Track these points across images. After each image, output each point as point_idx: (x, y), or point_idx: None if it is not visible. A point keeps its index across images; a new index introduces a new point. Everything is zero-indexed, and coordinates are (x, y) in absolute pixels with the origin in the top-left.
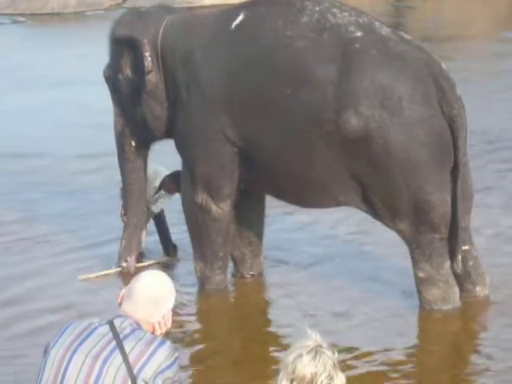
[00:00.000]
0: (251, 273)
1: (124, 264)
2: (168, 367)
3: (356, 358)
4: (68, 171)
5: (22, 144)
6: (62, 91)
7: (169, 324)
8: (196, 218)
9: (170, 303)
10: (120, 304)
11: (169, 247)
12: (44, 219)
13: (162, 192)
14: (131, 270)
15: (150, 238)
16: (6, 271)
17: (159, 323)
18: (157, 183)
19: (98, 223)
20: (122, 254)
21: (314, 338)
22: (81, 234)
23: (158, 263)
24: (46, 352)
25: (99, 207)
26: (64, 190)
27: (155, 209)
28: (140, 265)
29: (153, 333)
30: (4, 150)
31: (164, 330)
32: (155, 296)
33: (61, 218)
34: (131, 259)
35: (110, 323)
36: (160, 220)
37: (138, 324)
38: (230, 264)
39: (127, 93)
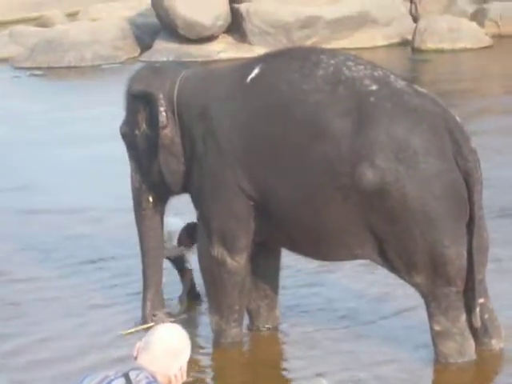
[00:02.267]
0: (267, 326)
1: (155, 318)
2: None
3: None
4: None
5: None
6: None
7: (185, 377)
8: (212, 271)
9: (187, 356)
10: (136, 357)
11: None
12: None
13: (182, 247)
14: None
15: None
16: None
17: (175, 376)
18: (175, 241)
19: None
20: (148, 312)
21: None
22: None
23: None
24: None
25: None
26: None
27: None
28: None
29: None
30: None
31: (180, 382)
32: (172, 348)
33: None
34: (160, 314)
35: (126, 376)
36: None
37: (153, 377)
38: (246, 317)
39: (144, 148)
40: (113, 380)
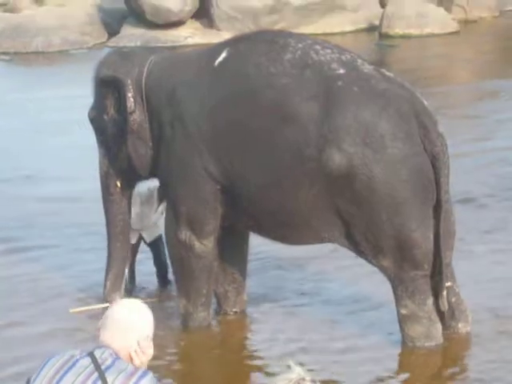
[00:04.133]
0: (234, 310)
1: (109, 300)
2: None
3: None
4: None
5: None
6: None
7: (148, 353)
8: (179, 255)
9: (145, 331)
10: (99, 336)
11: (165, 280)
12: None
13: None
14: None
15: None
16: None
17: (136, 352)
18: (154, 202)
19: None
20: (108, 293)
21: (298, 371)
22: None
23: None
24: None
25: None
26: None
27: (148, 238)
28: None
29: (131, 362)
30: None
31: (144, 360)
32: (127, 323)
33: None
34: (118, 295)
35: (91, 355)
36: (157, 250)
37: (117, 354)
38: (214, 301)
39: (112, 133)
40: (78, 360)
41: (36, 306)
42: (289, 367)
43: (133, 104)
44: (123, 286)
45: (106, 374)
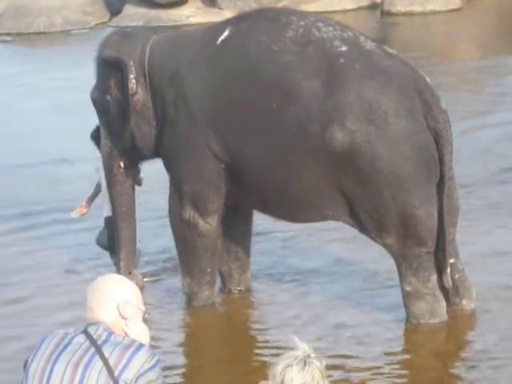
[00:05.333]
0: (239, 288)
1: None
2: (149, 369)
3: (343, 369)
4: None
5: None
6: None
7: (138, 323)
8: (183, 234)
9: (123, 295)
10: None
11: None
12: None
13: None
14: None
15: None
16: None
17: (124, 322)
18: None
19: None
20: (124, 273)
21: (303, 348)
22: None
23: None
24: (25, 367)
25: None
26: None
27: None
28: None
29: (125, 334)
30: None
31: (136, 331)
32: (102, 290)
33: None
34: (135, 271)
35: (85, 332)
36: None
37: (110, 329)
38: (218, 279)
39: (115, 113)
40: (73, 337)
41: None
42: (294, 344)
43: (135, 86)
44: (136, 263)
45: (103, 348)
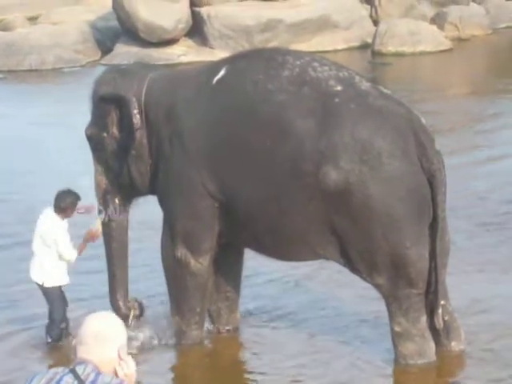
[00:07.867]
0: (227, 328)
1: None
2: None
3: None
4: None
5: None
6: None
7: (130, 364)
8: (175, 273)
9: (122, 339)
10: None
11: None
12: None
13: None
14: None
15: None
16: None
17: (119, 363)
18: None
19: None
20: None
21: None
22: None
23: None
24: None
25: None
26: None
27: None
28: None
29: (115, 375)
30: None
31: (128, 372)
32: (101, 334)
33: None
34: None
35: (73, 371)
36: None
37: (98, 369)
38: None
39: (112, 150)
40: (62, 377)
41: None
42: None
43: (139, 121)
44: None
45: None
